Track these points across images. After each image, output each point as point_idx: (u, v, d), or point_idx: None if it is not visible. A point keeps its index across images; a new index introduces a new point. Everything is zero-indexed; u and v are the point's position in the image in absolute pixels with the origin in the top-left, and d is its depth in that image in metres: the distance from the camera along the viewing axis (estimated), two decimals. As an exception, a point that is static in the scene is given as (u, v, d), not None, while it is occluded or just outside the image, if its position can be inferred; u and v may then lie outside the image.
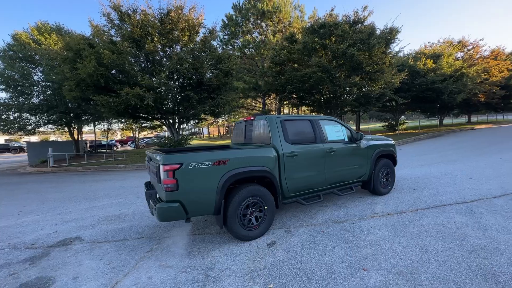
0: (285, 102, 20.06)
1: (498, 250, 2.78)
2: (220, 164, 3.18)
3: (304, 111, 25.26)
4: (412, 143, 15.63)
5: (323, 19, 14.61)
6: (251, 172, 3.38)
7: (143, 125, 14.74)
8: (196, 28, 12.81)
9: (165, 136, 20.19)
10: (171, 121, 13.76)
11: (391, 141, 5.47)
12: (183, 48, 12.12)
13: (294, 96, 17.65)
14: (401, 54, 19.80)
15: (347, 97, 15.80)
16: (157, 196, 3.52)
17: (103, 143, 28.19)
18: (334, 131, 4.50)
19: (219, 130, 64.00)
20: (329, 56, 14.09)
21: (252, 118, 4.40)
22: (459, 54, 26.03)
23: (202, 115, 14.72)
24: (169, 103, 11.74)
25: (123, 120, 17.87)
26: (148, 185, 4.17)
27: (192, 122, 16.81)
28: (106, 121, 18.82)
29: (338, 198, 5.05)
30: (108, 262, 3.07)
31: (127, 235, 3.91)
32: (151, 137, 38.31)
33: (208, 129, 62.17)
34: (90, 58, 10.20)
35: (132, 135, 37.27)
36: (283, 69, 15.80)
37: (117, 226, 4.29)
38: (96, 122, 19.06)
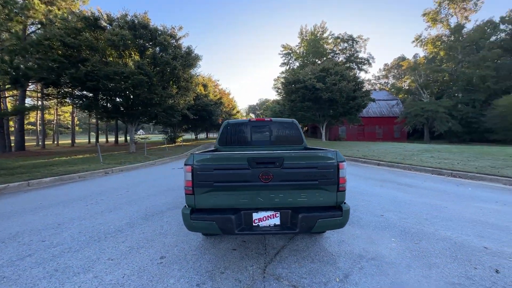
0: (65, 100, 14.44)
1: (414, 199, 5.95)
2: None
3: (89, 115, 19.58)
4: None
5: (140, 18, 13.25)
6: None
7: None
8: None
9: None
10: None
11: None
12: None
13: (90, 95, 13.61)
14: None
15: (159, 108, 15.37)
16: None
17: None
18: None
19: None
20: (149, 62, 13.12)
21: (268, 119, 4.28)
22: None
23: None
24: None
25: None
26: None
27: None
28: None
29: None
30: None
31: None
32: None
33: None
34: None
35: None
36: (83, 57, 11.84)
37: None
38: None
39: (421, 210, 4.59)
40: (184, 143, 25.02)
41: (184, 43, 14.71)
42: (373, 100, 28.81)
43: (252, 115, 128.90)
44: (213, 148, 4.25)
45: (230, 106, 38.57)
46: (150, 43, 13.50)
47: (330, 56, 38.24)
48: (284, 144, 4.28)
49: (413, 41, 41.39)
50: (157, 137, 36.98)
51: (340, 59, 37.50)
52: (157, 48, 13.56)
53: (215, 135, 54.41)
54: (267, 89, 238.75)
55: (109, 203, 5.40)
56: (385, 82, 65.87)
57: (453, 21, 37.04)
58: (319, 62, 36.68)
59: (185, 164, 2.60)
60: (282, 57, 43.70)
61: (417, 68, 37.93)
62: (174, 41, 14.59)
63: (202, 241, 3.45)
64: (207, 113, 23.83)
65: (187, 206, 2.63)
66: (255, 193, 2.55)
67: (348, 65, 34.82)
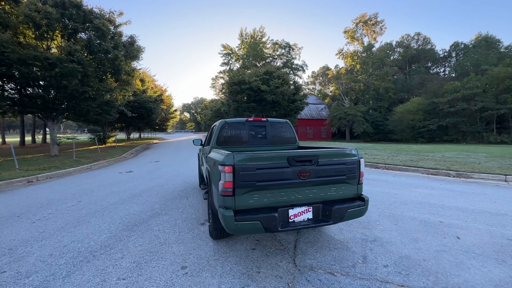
0: None
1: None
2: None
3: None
4: (147, 152, 17.31)
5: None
6: None
7: None
8: None
9: None
10: None
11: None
12: None
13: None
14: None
15: (92, 103, 12.94)
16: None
17: None
18: None
19: None
20: (83, 49, 11.01)
21: (264, 119, 4.35)
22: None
23: None
24: None
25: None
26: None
27: None
28: None
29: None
30: None
31: None
32: None
33: None
34: None
35: None
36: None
37: None
38: None
39: (382, 197, 5.51)
40: (117, 144, 22.09)
41: (125, 32, 12.98)
42: (307, 104, 31.89)
43: (187, 114, 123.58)
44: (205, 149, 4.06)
45: (168, 103, 36.02)
46: (83, 26, 11.40)
47: (268, 60, 40.30)
48: (279, 144, 4.45)
49: (337, 54, 47.73)
50: (74, 136, 31.35)
51: (278, 63, 40.06)
52: (92, 33, 11.56)
53: (150, 135, 49.83)
54: (202, 88, 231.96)
55: (66, 217, 4.47)
56: (313, 88, 73.57)
57: (366, 40, 44.44)
58: (259, 65, 38.19)
59: (222, 164, 2.49)
60: (222, 56, 43.51)
61: (339, 77, 43.93)
62: (112, 27, 12.74)
63: (214, 245, 3.31)
64: (146, 110, 21.56)
65: (225, 208, 2.51)
66: (293, 190, 2.65)
67: (285, 70, 37.47)
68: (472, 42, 43.64)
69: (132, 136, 33.13)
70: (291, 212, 2.68)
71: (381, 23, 43.14)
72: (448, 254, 3.00)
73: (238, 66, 40.24)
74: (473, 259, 2.89)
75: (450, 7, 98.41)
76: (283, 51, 39.69)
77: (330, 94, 53.99)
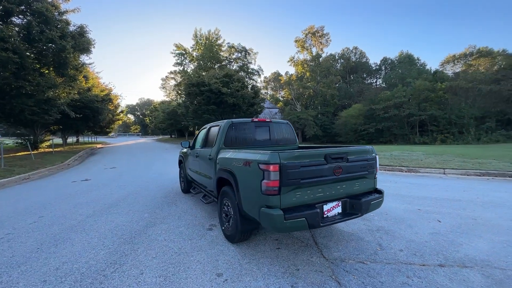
0: None
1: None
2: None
3: None
4: (95, 157, 15.30)
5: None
6: None
7: None
8: None
9: None
10: None
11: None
12: None
13: None
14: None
15: (29, 101, 10.66)
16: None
17: None
18: None
19: None
20: (19, 36, 9.09)
21: (268, 120, 4.36)
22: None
23: None
24: None
25: None
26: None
27: None
28: None
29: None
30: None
31: None
32: None
33: None
34: None
35: None
36: None
37: None
38: None
39: (362, 192, 6.08)
40: (54, 149, 18.92)
41: (73, 21, 11.15)
42: (264, 108, 32.82)
43: (131, 116, 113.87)
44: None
45: (116, 104, 32.38)
46: (18, 8, 9.49)
47: (224, 63, 40.11)
48: (282, 144, 4.53)
49: (288, 61, 50.47)
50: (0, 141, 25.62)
51: (234, 67, 40.18)
52: (32, 19, 9.70)
53: (90, 139, 43.87)
54: (149, 88, 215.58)
55: (36, 236, 3.71)
56: (265, 93, 75.98)
57: (314, 50, 48.16)
58: (216, 67, 37.69)
59: (267, 163, 2.46)
60: (175, 56, 41.39)
61: (291, 84, 46.58)
62: (57, 14, 10.94)
63: (237, 249, 3.20)
64: (91, 111, 18.93)
65: (267, 207, 2.47)
66: (327, 186, 2.77)
67: (241, 74, 37.85)
68: (397, 58, 51.65)
69: (71, 140, 28.68)
70: (325, 207, 2.80)
71: (326, 35, 47.37)
72: (441, 235, 3.53)
73: (193, 68, 38.96)
74: (460, 237, 3.47)
75: (381, 25, 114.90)
76: (239, 55, 40.09)
77: (282, 99, 56.69)
